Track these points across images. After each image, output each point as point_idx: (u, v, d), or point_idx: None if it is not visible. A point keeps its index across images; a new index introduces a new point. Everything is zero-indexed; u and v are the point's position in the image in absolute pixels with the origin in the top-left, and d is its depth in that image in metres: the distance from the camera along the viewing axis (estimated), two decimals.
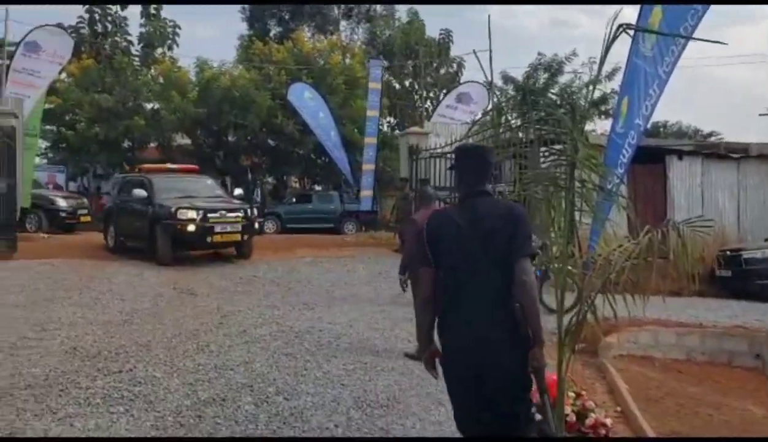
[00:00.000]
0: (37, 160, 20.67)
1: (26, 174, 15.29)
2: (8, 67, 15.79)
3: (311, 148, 24.36)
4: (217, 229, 12.23)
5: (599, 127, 26.02)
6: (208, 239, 12.18)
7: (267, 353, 6.58)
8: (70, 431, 4.40)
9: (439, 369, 3.24)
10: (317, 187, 28.01)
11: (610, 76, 23.87)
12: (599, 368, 6.80)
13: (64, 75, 22.87)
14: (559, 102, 24.36)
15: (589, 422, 4.65)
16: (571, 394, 4.79)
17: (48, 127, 23.14)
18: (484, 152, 3.35)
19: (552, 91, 26.50)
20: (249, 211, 12.87)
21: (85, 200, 20.21)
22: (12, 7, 16.24)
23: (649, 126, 9.58)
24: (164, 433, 4.47)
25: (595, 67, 4.12)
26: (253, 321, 8.05)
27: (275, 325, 7.87)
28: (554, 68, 26.92)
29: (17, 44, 16.30)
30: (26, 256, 12.23)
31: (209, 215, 12.22)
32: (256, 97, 23.16)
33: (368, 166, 20.31)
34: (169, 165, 16.10)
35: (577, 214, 4.23)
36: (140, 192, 12.90)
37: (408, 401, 5.28)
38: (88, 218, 18.66)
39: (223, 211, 12.51)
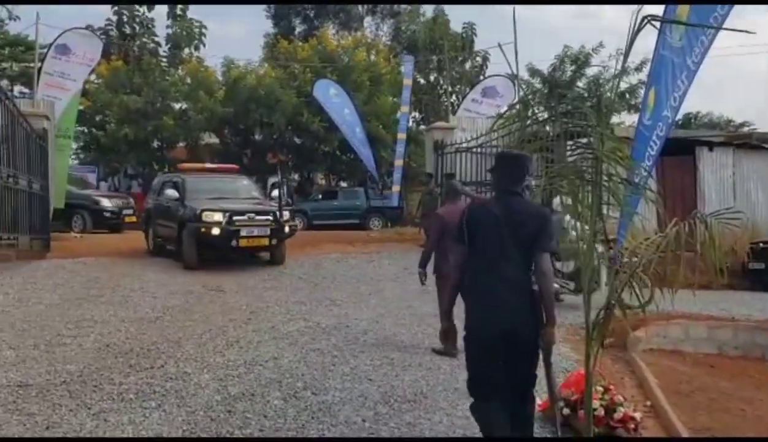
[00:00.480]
0: (69, 161, 21.00)
1: (60, 175, 15.58)
2: (40, 69, 16.10)
3: (336, 145, 24.48)
4: (243, 233, 11.67)
5: (628, 120, 25.71)
6: (233, 243, 11.65)
7: (295, 348, 6.65)
8: (104, 426, 4.50)
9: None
10: (343, 184, 28.13)
11: (639, 67, 23.52)
12: (628, 363, 6.75)
13: (93, 77, 23.25)
14: (586, 95, 24.09)
15: (617, 416, 4.62)
16: (599, 388, 4.76)
17: (79, 128, 23.54)
18: (524, 160, 3.96)
19: (579, 83, 26.19)
20: (279, 214, 12.04)
21: (131, 200, 20.37)
22: (42, 11, 16.53)
23: (679, 117, 9.41)
24: (195, 428, 4.54)
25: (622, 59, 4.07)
26: (281, 317, 8.14)
27: (303, 321, 7.94)
28: (581, 60, 26.58)
29: (48, 47, 16.61)
30: (59, 255, 12.49)
31: (235, 218, 11.67)
32: (281, 95, 23.34)
33: (398, 162, 20.39)
34: (207, 164, 15.76)
35: (604, 208, 4.20)
36: (172, 192, 12.65)
37: (435, 397, 5.30)
38: (134, 218, 18.74)
39: (252, 214, 11.93)
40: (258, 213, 12.07)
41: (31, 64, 20.44)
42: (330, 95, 21.69)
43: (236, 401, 5.07)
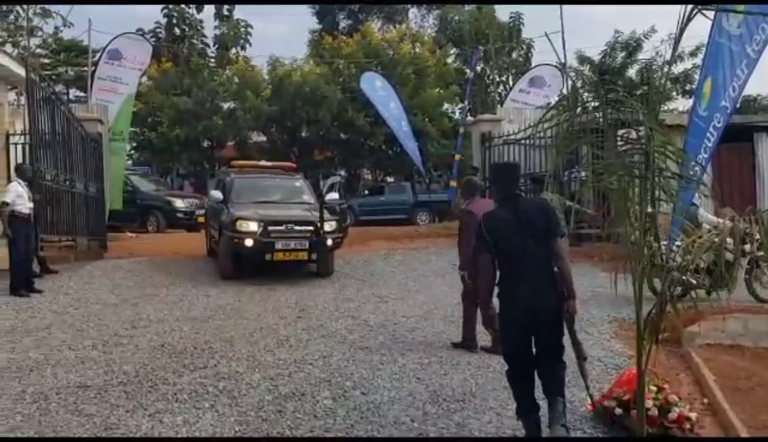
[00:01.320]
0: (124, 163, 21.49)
1: (116, 177, 15.95)
2: (93, 74, 16.58)
3: (382, 139, 24.51)
4: (279, 245, 10.48)
5: (681, 105, 24.91)
6: (267, 257, 10.52)
7: (344, 346, 6.69)
8: (159, 427, 4.62)
9: None
10: (389, 179, 28.12)
11: (694, 52, 22.74)
12: (684, 358, 6.57)
13: (144, 78, 23.84)
14: (638, 82, 23.41)
15: (671, 416, 4.50)
16: (653, 387, 4.65)
17: (132, 129, 24.17)
18: (516, 168, 5.16)
19: (630, 70, 25.45)
20: (320, 224, 10.68)
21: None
22: (93, 16, 17.03)
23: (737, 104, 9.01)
24: (247, 428, 4.62)
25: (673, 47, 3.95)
26: (329, 315, 8.21)
27: (351, 319, 7.99)
28: (632, 46, 25.85)
29: (100, 53, 17.08)
30: (116, 255, 12.87)
31: (270, 228, 10.50)
32: (327, 92, 23.47)
33: (458, 157, 20.05)
34: (263, 162, 14.79)
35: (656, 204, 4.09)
36: (217, 194, 11.98)
37: (485, 396, 5.26)
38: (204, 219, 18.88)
39: (290, 224, 10.69)
40: (298, 223, 10.81)
41: (85, 68, 21.09)
42: (376, 88, 21.48)
43: (287, 401, 5.13)
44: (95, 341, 6.84)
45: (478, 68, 28.84)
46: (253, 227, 10.53)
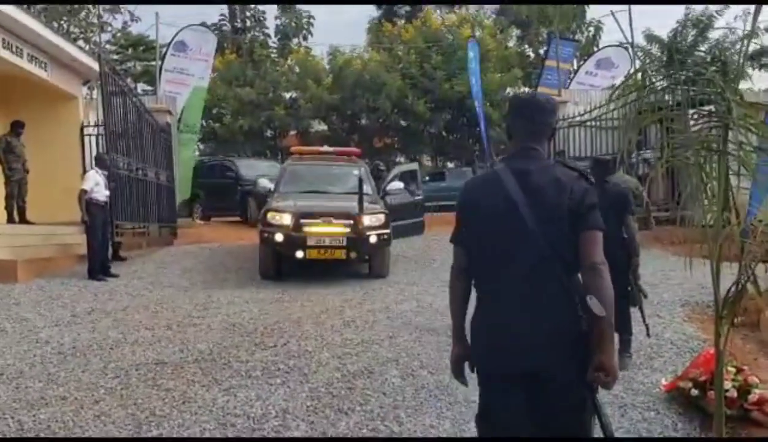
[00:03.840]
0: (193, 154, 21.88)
1: (185, 167, 16.24)
2: (161, 67, 17.04)
3: (442, 125, 24.37)
4: (311, 242, 9.34)
5: (759, 81, 23.83)
6: (299, 254, 9.39)
7: (410, 328, 6.73)
8: (234, 402, 4.76)
9: None
10: (450, 165, 27.97)
11: None
12: (763, 343, 6.33)
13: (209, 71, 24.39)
14: (709, 59, 22.54)
15: (752, 398, 4.36)
16: (731, 368, 4.51)
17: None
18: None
19: (701, 48, 24.52)
20: (359, 216, 9.42)
21: None
22: (160, 9, 17.43)
23: None
24: (318, 403, 4.72)
25: (751, 19, 3.82)
26: (393, 297, 8.27)
27: (415, 301, 8.02)
28: (703, 23, 24.87)
29: (167, 45, 17.54)
30: (185, 242, 13.27)
31: (303, 221, 9.39)
32: (386, 79, 23.49)
33: None
34: (325, 147, 13.35)
35: (734, 179, 3.96)
36: (266, 183, 11.24)
37: None
38: None
39: (327, 217, 9.48)
40: (337, 216, 9.54)
41: (152, 63, 21.71)
42: (471, 59, 20.30)
43: (356, 379, 5.22)
44: (170, 322, 7.09)
45: (541, 51, 28.26)
46: (286, 219, 9.46)
